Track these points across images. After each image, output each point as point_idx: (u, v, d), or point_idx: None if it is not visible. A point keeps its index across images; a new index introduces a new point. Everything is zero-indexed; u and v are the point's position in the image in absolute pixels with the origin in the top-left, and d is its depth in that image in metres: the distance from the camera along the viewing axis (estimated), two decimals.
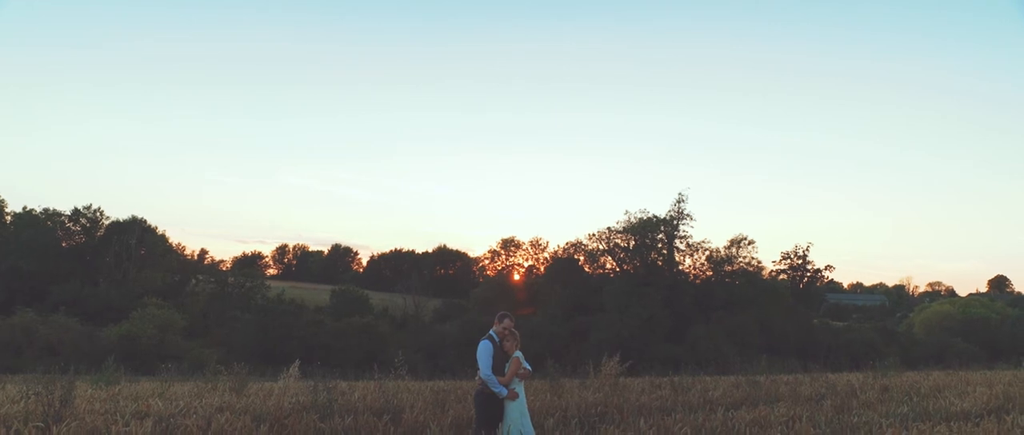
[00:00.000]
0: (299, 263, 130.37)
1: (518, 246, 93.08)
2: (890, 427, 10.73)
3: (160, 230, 72.38)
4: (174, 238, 77.92)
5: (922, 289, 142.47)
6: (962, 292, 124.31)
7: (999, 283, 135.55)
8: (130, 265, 65.05)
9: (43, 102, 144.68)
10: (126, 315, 50.06)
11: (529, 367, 8.91)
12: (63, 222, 68.66)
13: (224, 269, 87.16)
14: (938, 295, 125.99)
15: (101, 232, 68.77)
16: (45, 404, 10.73)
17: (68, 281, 59.64)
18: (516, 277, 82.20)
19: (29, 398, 11.77)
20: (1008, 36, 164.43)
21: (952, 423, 11.12)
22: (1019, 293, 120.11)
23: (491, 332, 8.85)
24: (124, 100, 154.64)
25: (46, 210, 68.74)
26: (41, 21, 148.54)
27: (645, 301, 54.25)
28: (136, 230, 67.46)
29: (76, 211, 68.95)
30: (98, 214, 69.42)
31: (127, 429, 9.85)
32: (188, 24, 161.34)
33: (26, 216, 67.87)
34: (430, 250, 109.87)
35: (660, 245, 61.79)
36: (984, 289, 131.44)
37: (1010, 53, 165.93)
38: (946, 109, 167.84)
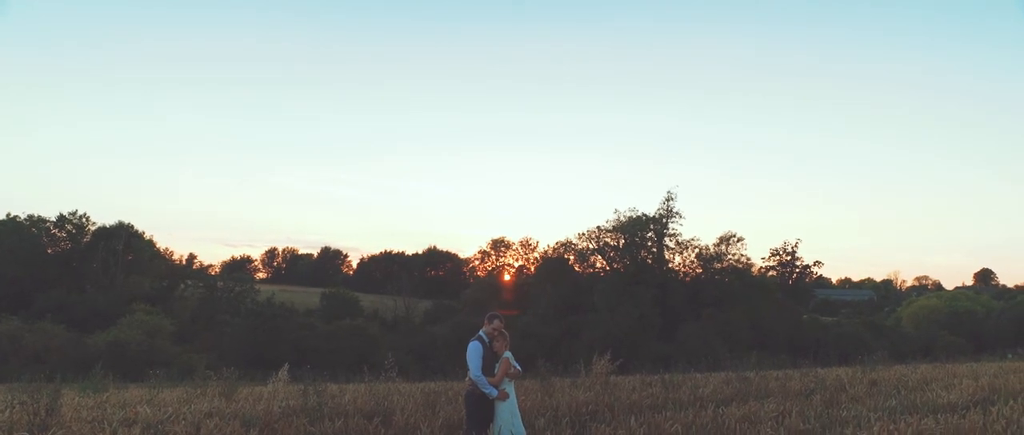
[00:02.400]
0: (288, 266, 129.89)
1: (508, 246, 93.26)
2: (878, 421, 10.80)
3: (147, 235, 72.00)
4: (161, 243, 77.50)
5: (909, 283, 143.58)
6: (949, 286, 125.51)
7: (984, 276, 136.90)
8: (117, 271, 64.57)
9: (26, 106, 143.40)
10: (114, 321, 49.63)
11: (519, 367, 8.91)
12: (48, 228, 68.08)
13: (213, 273, 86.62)
14: (925, 289, 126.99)
15: (87, 238, 68.22)
16: (31, 413, 10.62)
17: (54, 288, 59.12)
18: (506, 277, 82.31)
19: (14, 407, 11.64)
20: (990, 32, 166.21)
21: (939, 416, 11.21)
22: (1004, 286, 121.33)
23: (481, 333, 8.85)
24: (108, 104, 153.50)
25: (31, 216, 68.14)
26: (22, 22, 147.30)
27: (635, 300, 54.38)
28: (123, 235, 66.96)
29: (61, 217, 68.37)
30: (84, 220, 68.87)
31: None
32: (174, 24, 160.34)
33: (10, 222, 67.20)
34: (420, 251, 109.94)
35: (650, 243, 61.96)
36: (970, 282, 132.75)
37: (994, 49, 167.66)
38: (931, 105, 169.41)
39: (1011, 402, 12.19)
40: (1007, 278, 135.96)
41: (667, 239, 61.92)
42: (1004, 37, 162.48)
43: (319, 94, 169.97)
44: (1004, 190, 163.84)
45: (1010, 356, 35.57)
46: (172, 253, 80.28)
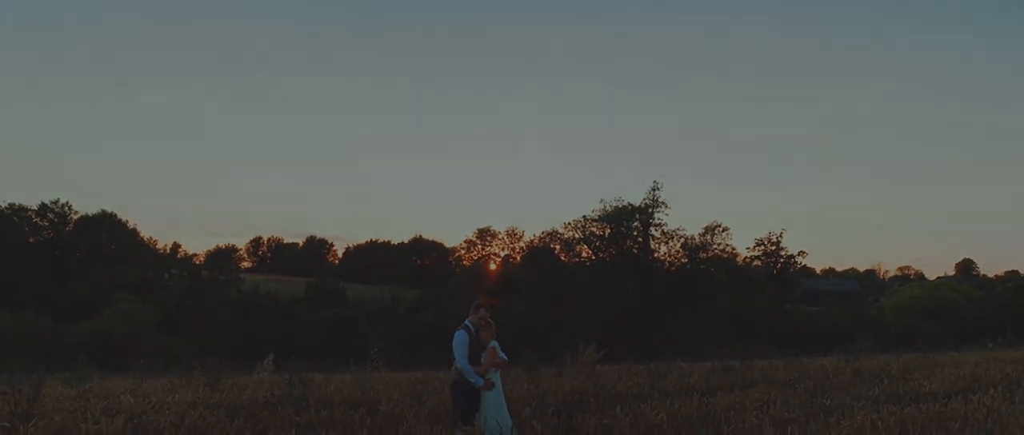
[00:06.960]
0: (273, 255, 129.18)
1: (494, 236, 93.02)
2: (862, 409, 10.89)
3: (131, 224, 71.34)
4: (145, 232, 76.57)
5: (892, 273, 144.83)
6: (931, 276, 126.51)
7: (966, 266, 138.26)
8: (100, 260, 63.98)
9: (5, 93, 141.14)
10: (97, 311, 49.27)
11: (505, 356, 8.92)
12: (30, 217, 67.29)
13: (198, 263, 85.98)
14: (908, 279, 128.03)
15: (70, 227, 67.53)
16: (12, 403, 10.52)
17: (36, 278, 58.50)
18: (492, 267, 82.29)
19: None
20: (973, 21, 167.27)
21: (921, 404, 11.32)
22: (985, 276, 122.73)
23: (467, 322, 8.85)
24: (90, 91, 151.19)
25: (12, 205, 67.28)
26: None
27: (621, 289, 54.62)
28: (106, 225, 66.35)
29: (43, 206, 67.57)
30: (66, 209, 68.15)
31: (97, 427, 9.68)
32: (156, 8, 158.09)
33: None
34: (406, 241, 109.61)
35: (635, 233, 62.12)
36: (952, 273, 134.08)
37: (976, 39, 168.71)
38: (913, 96, 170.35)
39: (991, 390, 12.34)
40: (988, 268, 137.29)
41: (653, 229, 62.06)
42: (985, 28, 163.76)
43: (304, 82, 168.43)
44: (985, 181, 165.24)
45: (991, 346, 35.90)
46: (156, 242, 79.31)
